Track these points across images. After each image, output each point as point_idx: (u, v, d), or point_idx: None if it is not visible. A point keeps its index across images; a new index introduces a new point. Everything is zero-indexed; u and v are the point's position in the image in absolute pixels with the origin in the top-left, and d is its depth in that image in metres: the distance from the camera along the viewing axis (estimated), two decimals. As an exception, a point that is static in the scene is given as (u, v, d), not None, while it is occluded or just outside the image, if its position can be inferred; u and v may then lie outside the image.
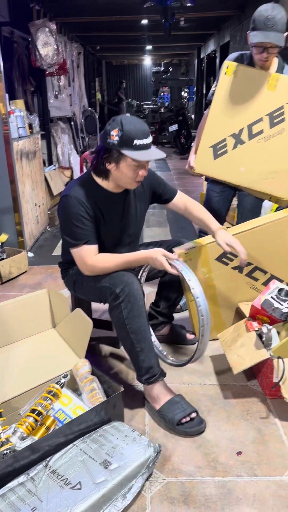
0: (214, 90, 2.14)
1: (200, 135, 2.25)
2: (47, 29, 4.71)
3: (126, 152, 1.57)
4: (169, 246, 2.05)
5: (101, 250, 1.76)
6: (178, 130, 9.18)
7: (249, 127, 2.11)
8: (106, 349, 2.18)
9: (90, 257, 1.71)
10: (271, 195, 2.24)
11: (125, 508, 1.31)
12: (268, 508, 1.34)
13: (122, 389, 1.57)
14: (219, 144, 2.19)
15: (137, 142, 1.56)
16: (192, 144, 2.46)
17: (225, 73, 2.07)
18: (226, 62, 2.09)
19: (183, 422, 1.62)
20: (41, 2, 5.68)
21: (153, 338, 1.90)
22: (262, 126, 2.09)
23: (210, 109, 2.17)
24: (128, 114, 1.84)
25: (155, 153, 1.64)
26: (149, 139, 1.61)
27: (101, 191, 1.74)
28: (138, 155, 1.58)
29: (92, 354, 2.13)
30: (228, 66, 2.07)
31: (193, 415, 1.65)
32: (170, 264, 1.63)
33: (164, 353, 1.92)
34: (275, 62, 2.13)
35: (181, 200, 1.98)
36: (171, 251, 2.02)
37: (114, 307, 1.67)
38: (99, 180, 1.73)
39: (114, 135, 1.57)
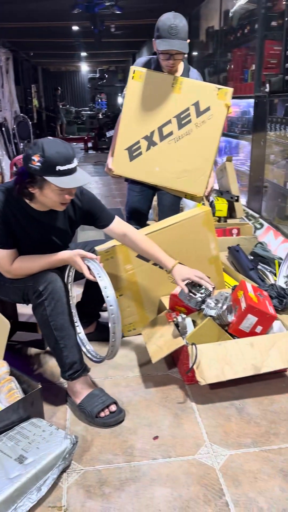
0: (124, 95, 2.22)
1: (116, 138, 2.33)
2: None
3: (49, 178, 1.54)
4: (93, 246, 2.11)
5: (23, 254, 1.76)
6: (115, 135, 9.27)
7: (159, 129, 2.22)
8: (31, 351, 2.19)
9: (8, 261, 1.72)
10: (186, 193, 2.36)
11: (40, 500, 1.34)
12: (180, 485, 1.42)
13: (40, 386, 1.60)
14: (133, 146, 2.27)
15: (60, 168, 1.54)
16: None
17: (132, 78, 2.16)
18: (132, 68, 2.18)
19: (102, 416, 1.67)
20: None
21: (82, 336, 1.93)
22: (171, 128, 2.20)
23: (121, 114, 2.26)
24: (50, 137, 1.77)
25: (80, 179, 1.61)
26: (73, 164, 1.58)
27: (24, 206, 1.70)
28: (62, 182, 1.55)
29: (17, 356, 2.14)
30: (135, 72, 2.16)
31: (113, 407, 1.70)
32: (89, 268, 1.66)
33: (87, 347, 1.93)
34: (181, 65, 2.26)
35: (119, 228, 1.93)
36: (95, 251, 2.08)
37: (38, 305, 1.69)
38: (25, 199, 1.69)
39: (36, 161, 1.53)
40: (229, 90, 2.13)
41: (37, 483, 1.35)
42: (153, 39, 2.14)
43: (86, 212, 1.88)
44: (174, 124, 2.19)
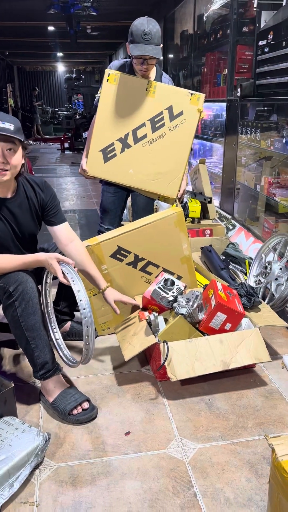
0: (99, 97, 2.26)
1: (90, 140, 2.36)
2: None
3: None
4: None
5: None
6: (92, 137, 9.27)
7: (133, 131, 2.26)
8: (4, 351, 2.19)
9: None
10: (159, 195, 2.41)
11: (12, 496, 1.36)
12: (150, 478, 1.46)
13: (12, 385, 1.61)
14: (108, 148, 2.31)
15: None
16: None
17: (107, 81, 2.20)
18: (107, 71, 2.22)
19: (74, 413, 1.70)
20: None
21: (61, 341, 1.94)
22: (145, 130, 2.25)
23: (96, 116, 2.29)
24: None
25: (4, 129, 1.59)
26: (4, 125, 1.58)
27: None
28: None
29: (-9, 357, 2.14)
30: (109, 75, 2.20)
31: (85, 404, 1.73)
32: (63, 272, 1.68)
33: (65, 352, 1.95)
34: (153, 70, 2.31)
35: (66, 235, 1.93)
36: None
37: (8, 306, 1.70)
38: None
39: None
40: (201, 96, 2.19)
41: (9, 479, 1.37)
42: (127, 43, 2.18)
43: (46, 204, 1.89)
44: (148, 127, 2.23)
